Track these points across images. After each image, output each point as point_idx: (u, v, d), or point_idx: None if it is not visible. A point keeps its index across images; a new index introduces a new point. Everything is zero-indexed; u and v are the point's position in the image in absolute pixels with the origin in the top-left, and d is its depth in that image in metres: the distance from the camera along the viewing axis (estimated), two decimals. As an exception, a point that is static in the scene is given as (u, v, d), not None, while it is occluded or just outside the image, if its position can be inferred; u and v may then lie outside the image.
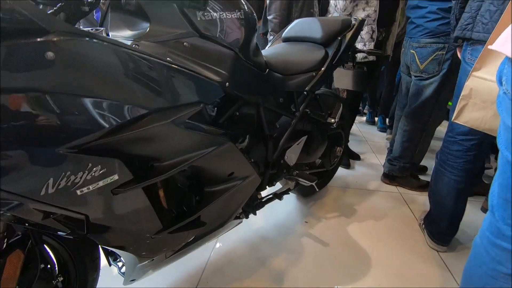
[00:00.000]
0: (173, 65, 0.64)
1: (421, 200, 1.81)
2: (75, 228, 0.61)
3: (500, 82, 0.64)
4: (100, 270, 0.90)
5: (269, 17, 2.05)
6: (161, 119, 0.62)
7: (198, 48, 0.72)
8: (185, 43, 0.69)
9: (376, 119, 3.24)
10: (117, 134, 0.56)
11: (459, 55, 1.29)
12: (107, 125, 0.54)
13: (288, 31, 1.44)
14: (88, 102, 0.52)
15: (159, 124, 0.62)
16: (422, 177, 1.99)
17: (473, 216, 1.61)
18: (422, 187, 1.91)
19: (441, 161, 1.31)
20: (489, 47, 0.64)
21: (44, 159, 0.50)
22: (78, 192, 0.55)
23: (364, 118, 3.52)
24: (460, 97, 0.91)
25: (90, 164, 0.55)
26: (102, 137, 0.55)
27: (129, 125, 0.58)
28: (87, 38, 0.50)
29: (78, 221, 0.61)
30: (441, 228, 1.36)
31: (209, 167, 0.81)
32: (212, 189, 0.87)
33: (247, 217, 1.19)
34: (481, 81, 0.83)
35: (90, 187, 0.57)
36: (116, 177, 0.59)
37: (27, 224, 0.59)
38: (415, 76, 1.72)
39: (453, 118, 0.98)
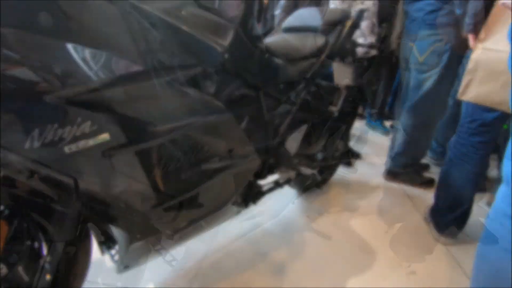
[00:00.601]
0: (172, 24, 0.62)
1: (425, 196, 1.76)
2: (63, 194, 0.57)
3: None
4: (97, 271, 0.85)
5: (275, 13, 2.09)
6: (156, 77, 0.59)
7: (196, 17, 0.70)
8: (183, 12, 0.67)
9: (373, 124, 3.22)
10: (109, 88, 0.53)
11: (472, 42, 1.27)
12: (97, 77, 0.51)
13: (288, 21, 1.44)
14: (78, 49, 0.49)
15: (154, 81, 0.59)
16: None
17: (478, 211, 1.56)
18: (425, 183, 1.86)
19: (460, 153, 1.26)
20: (500, 2, 0.62)
21: (30, 106, 0.46)
22: (66, 149, 0.52)
23: (364, 121, 3.51)
24: (465, 72, 0.89)
25: (79, 119, 0.51)
26: (93, 90, 0.52)
27: (122, 80, 0.55)
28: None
29: (67, 186, 0.57)
30: (450, 220, 1.32)
31: (208, 139, 0.78)
32: (210, 167, 0.83)
33: (246, 206, 1.15)
34: (486, 52, 0.81)
35: (79, 145, 0.53)
36: (107, 137, 0.56)
37: (16, 189, 0.55)
38: (415, 70, 1.71)
39: (459, 95, 0.96)
